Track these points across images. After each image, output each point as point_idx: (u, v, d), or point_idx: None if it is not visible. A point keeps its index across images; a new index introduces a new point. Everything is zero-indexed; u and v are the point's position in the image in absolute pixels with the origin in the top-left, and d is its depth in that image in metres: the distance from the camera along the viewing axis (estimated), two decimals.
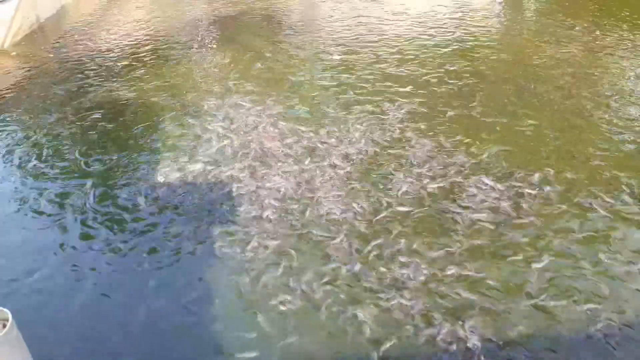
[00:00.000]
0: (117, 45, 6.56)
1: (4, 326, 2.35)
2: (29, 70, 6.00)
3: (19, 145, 4.46)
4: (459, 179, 3.72)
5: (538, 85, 5.12)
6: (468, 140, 4.19)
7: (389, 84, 5.17)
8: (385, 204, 3.49)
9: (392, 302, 2.78)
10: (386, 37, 6.51)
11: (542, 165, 3.84)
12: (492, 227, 3.26)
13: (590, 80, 5.25)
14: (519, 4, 8.21)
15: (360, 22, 7.09)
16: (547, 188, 3.60)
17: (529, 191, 3.55)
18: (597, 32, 6.44)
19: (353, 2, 8.04)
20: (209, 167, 3.95)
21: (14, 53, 6.44)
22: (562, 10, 7.31)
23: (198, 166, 3.96)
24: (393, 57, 5.85)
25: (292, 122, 4.54)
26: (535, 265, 2.97)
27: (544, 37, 6.35)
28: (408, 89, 5.05)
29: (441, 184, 3.66)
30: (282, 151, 4.10)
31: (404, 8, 7.62)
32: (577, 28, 6.63)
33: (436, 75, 5.37)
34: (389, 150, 4.07)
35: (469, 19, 7.15)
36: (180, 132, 4.50)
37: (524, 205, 3.43)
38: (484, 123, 4.48)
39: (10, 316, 2.27)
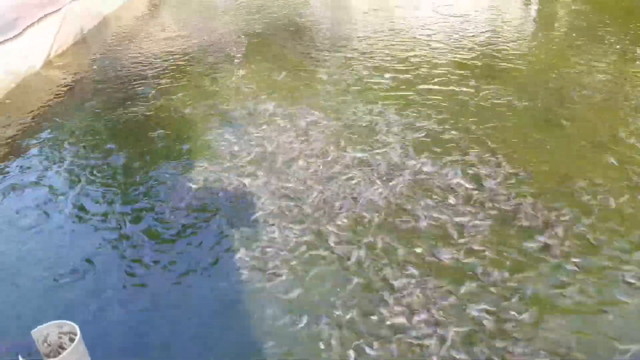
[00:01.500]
0: (155, 58, 6.72)
1: (71, 339, 2.44)
2: (72, 81, 6.20)
3: (58, 157, 4.62)
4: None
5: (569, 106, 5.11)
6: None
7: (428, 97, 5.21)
8: None
9: None
10: (422, 54, 6.54)
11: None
12: None
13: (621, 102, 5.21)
14: (552, 20, 8.14)
15: (394, 37, 7.13)
16: None
17: None
18: (638, 51, 6.36)
19: (385, 17, 8.09)
20: (247, 179, 4.03)
21: (60, 63, 6.65)
22: (600, 29, 7.22)
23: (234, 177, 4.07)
24: (428, 72, 5.89)
25: (336, 137, 4.59)
26: None
27: (578, 56, 6.28)
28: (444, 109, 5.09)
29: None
30: (321, 168, 4.16)
31: (436, 22, 7.65)
32: (617, 46, 6.55)
33: (463, 92, 5.38)
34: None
35: (500, 34, 7.13)
36: (219, 144, 4.60)
37: None
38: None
39: (78, 330, 2.35)
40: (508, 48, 6.62)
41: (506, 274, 3.12)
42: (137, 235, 3.59)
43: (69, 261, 3.39)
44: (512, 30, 7.41)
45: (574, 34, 7.21)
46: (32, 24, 6.34)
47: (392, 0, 8.93)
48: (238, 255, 3.33)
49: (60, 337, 2.43)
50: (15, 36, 5.99)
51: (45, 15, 6.62)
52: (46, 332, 2.39)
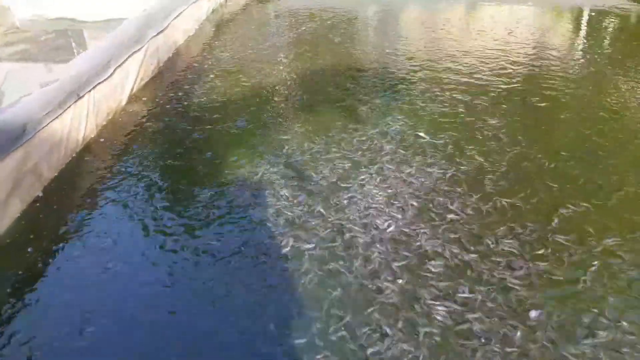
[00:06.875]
0: (216, 93, 7.28)
1: None
2: (151, 117, 6.70)
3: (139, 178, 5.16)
4: None
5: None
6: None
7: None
8: None
9: None
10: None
11: None
12: None
13: None
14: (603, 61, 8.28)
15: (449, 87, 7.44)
16: None
17: None
18: None
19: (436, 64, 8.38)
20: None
21: (144, 98, 7.17)
22: None
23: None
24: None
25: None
26: None
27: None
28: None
29: None
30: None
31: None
32: None
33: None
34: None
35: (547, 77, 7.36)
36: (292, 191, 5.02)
37: None
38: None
39: None
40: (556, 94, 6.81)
41: None
42: None
43: None
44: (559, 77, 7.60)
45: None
46: (121, 64, 6.87)
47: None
48: None
49: None
50: (106, 78, 6.51)
51: (132, 54, 7.14)
52: None
